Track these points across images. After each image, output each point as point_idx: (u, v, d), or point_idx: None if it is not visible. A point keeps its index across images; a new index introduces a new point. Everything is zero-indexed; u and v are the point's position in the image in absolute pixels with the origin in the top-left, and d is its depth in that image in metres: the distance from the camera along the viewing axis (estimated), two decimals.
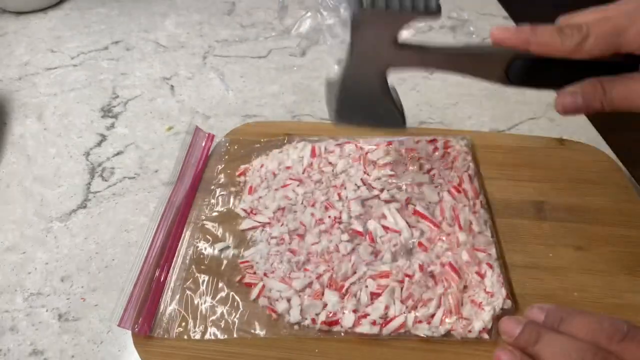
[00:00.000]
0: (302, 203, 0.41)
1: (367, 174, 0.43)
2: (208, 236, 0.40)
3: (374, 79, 0.33)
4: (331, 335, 0.34)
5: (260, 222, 0.40)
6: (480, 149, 0.46)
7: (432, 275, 0.36)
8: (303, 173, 0.44)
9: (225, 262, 0.38)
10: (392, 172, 0.42)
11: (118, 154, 0.50)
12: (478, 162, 0.45)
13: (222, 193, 0.43)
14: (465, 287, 0.36)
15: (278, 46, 0.65)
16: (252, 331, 0.34)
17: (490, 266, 0.36)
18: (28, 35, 0.69)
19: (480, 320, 0.34)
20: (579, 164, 0.45)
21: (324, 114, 0.55)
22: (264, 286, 0.36)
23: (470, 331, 0.33)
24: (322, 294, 0.35)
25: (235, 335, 0.34)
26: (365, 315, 0.34)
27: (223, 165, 0.46)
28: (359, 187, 0.42)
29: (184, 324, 0.35)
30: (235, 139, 0.48)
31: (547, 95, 0.57)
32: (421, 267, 0.36)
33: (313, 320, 0.34)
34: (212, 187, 0.44)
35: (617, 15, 0.29)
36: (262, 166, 0.45)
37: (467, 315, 0.34)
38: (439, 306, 0.34)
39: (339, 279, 0.36)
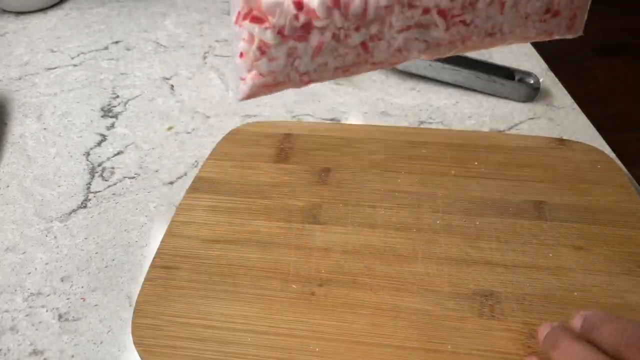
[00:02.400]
0: None
1: None
2: None
3: None
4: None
5: None
6: (480, 149, 0.46)
7: None
8: None
9: None
10: None
11: (118, 153, 0.50)
12: (478, 162, 0.45)
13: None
14: None
15: None
16: None
17: None
18: (28, 35, 0.69)
19: None
20: (579, 164, 0.45)
21: (324, 114, 0.55)
22: None
23: None
24: None
25: None
26: None
27: (223, 166, 0.46)
28: None
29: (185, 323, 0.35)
30: (236, 138, 0.48)
31: (547, 95, 0.57)
32: None
33: None
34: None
35: None
36: None
37: None
38: None
39: None
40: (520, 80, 0.56)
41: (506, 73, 0.56)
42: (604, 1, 2.12)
